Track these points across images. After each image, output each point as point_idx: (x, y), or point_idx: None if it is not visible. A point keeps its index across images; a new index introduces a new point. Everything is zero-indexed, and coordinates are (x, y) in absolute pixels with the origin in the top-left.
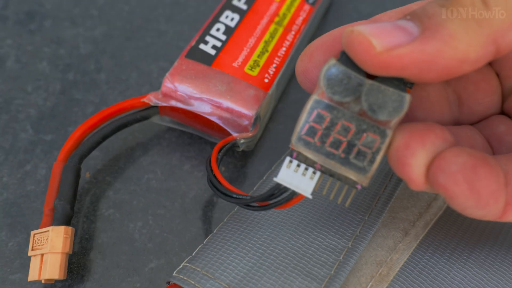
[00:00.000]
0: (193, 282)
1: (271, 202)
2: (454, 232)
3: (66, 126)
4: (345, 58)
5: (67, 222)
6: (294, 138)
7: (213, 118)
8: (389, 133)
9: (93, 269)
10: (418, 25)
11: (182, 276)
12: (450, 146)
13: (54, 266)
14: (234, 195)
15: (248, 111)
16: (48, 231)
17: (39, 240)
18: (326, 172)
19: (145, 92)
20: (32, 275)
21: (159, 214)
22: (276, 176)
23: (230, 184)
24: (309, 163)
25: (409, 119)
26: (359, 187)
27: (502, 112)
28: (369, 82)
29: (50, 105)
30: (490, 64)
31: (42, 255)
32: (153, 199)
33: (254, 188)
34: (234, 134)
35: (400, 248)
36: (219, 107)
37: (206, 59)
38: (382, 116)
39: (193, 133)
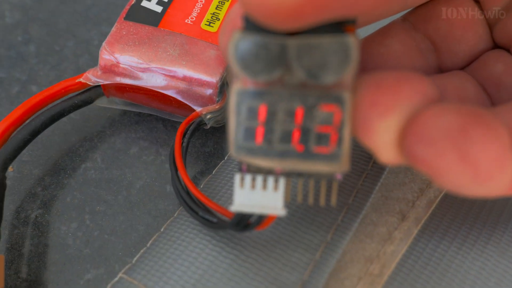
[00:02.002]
0: None
1: (240, 228)
2: (466, 211)
3: None
4: (250, 24)
5: None
6: (233, 149)
7: (169, 92)
8: (347, 96)
9: (14, 287)
10: None
11: None
12: (433, 102)
13: None
14: (200, 213)
15: (210, 77)
16: None
17: None
18: (291, 175)
19: (83, 63)
20: None
21: (98, 212)
22: (232, 202)
23: (203, 195)
24: (266, 171)
25: None
26: (339, 176)
27: (496, 46)
28: (293, 41)
29: None
30: None
31: None
32: (91, 194)
33: (201, 186)
34: (198, 109)
35: (396, 237)
36: (173, 77)
37: (152, 19)
38: (328, 77)
39: (153, 114)
